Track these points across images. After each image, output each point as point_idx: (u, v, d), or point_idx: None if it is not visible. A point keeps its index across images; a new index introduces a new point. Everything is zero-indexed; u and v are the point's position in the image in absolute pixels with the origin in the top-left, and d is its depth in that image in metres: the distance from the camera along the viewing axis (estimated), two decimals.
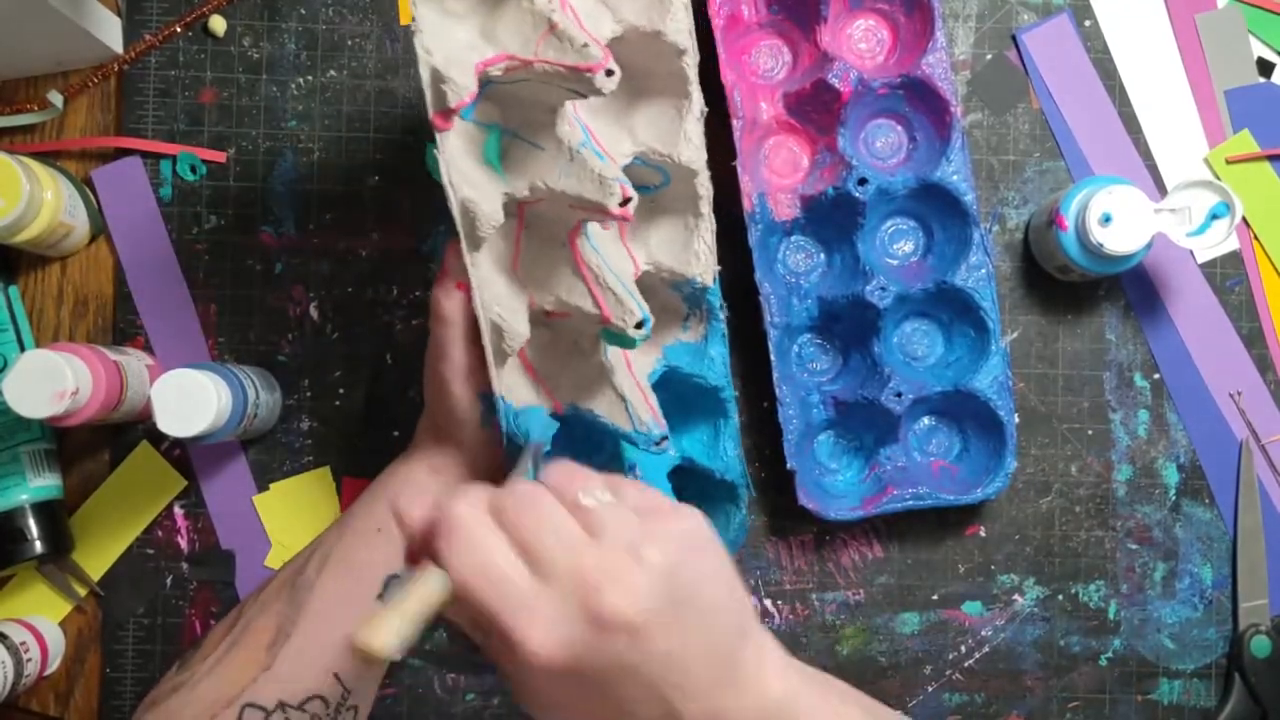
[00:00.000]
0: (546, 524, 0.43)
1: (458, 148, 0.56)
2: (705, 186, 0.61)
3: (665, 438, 0.60)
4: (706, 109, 0.60)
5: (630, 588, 0.42)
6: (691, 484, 0.67)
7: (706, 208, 0.61)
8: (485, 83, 0.55)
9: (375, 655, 0.41)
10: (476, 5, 0.55)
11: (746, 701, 0.45)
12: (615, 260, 0.60)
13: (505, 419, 0.60)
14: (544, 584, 0.42)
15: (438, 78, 0.53)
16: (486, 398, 0.60)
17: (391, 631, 0.41)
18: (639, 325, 0.56)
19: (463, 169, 0.57)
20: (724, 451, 0.67)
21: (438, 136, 0.55)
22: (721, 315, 0.64)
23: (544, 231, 0.60)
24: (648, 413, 0.59)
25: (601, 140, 0.59)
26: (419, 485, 0.63)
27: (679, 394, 0.65)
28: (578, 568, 0.42)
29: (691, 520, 0.46)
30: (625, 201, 0.54)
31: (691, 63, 0.59)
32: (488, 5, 0.55)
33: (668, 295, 0.63)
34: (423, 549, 0.45)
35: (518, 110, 0.57)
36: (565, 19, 0.54)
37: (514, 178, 0.58)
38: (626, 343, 0.57)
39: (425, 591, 0.43)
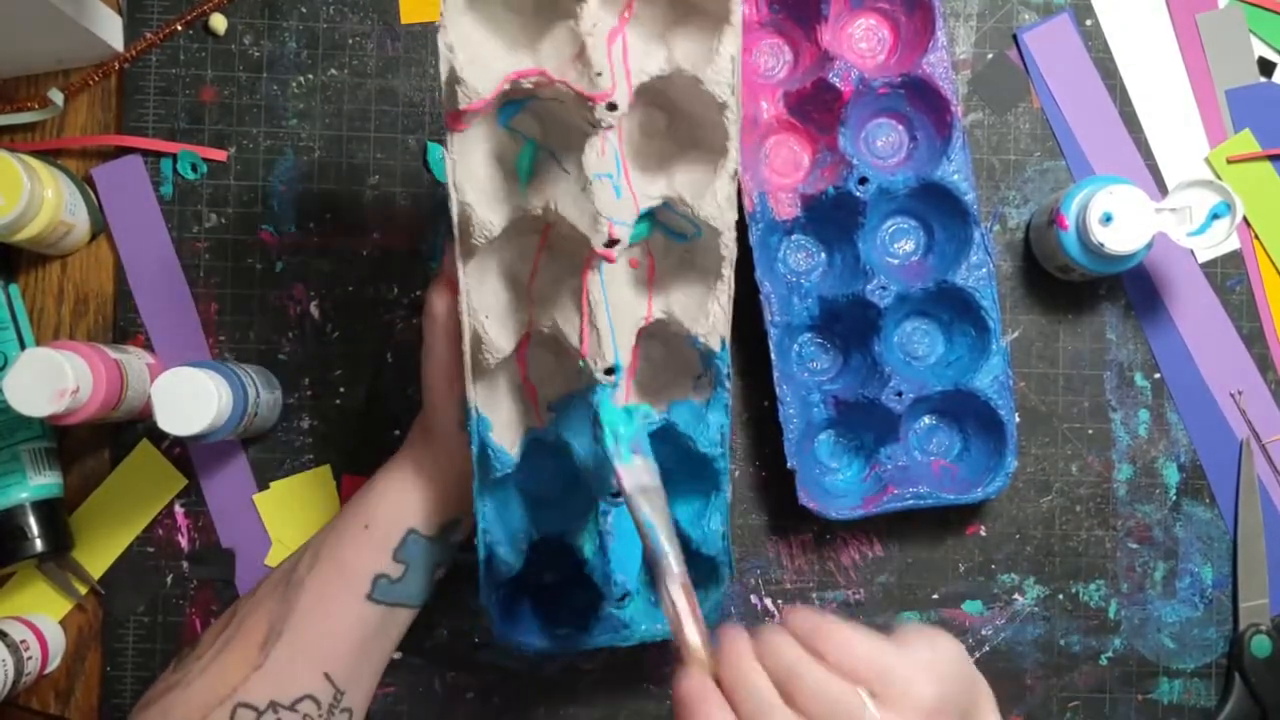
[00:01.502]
0: None
1: (473, 151, 0.55)
2: (729, 248, 0.59)
3: (613, 370, 0.58)
4: (739, 168, 0.58)
5: None
6: None
7: (728, 270, 0.59)
8: (524, 98, 0.54)
9: None
10: (530, 17, 0.55)
11: None
12: (624, 302, 0.58)
13: (476, 429, 0.60)
14: None
15: (453, 78, 0.52)
16: (464, 401, 0.60)
17: None
18: (608, 371, 0.56)
19: (474, 173, 0.56)
20: (708, 524, 0.65)
21: (447, 136, 0.54)
22: (727, 385, 0.62)
23: (563, 257, 0.59)
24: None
25: (638, 180, 0.58)
26: (404, 483, 0.64)
27: (677, 459, 0.64)
28: None
29: (948, 651, 0.49)
30: (611, 243, 0.54)
31: (733, 118, 0.56)
32: (541, 18, 0.54)
33: (687, 351, 0.62)
34: None
35: (557, 129, 0.56)
36: (596, 44, 0.52)
37: (534, 195, 0.57)
38: (596, 382, 0.57)
39: None
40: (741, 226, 0.72)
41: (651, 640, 0.67)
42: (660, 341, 0.62)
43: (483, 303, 0.58)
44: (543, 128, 0.57)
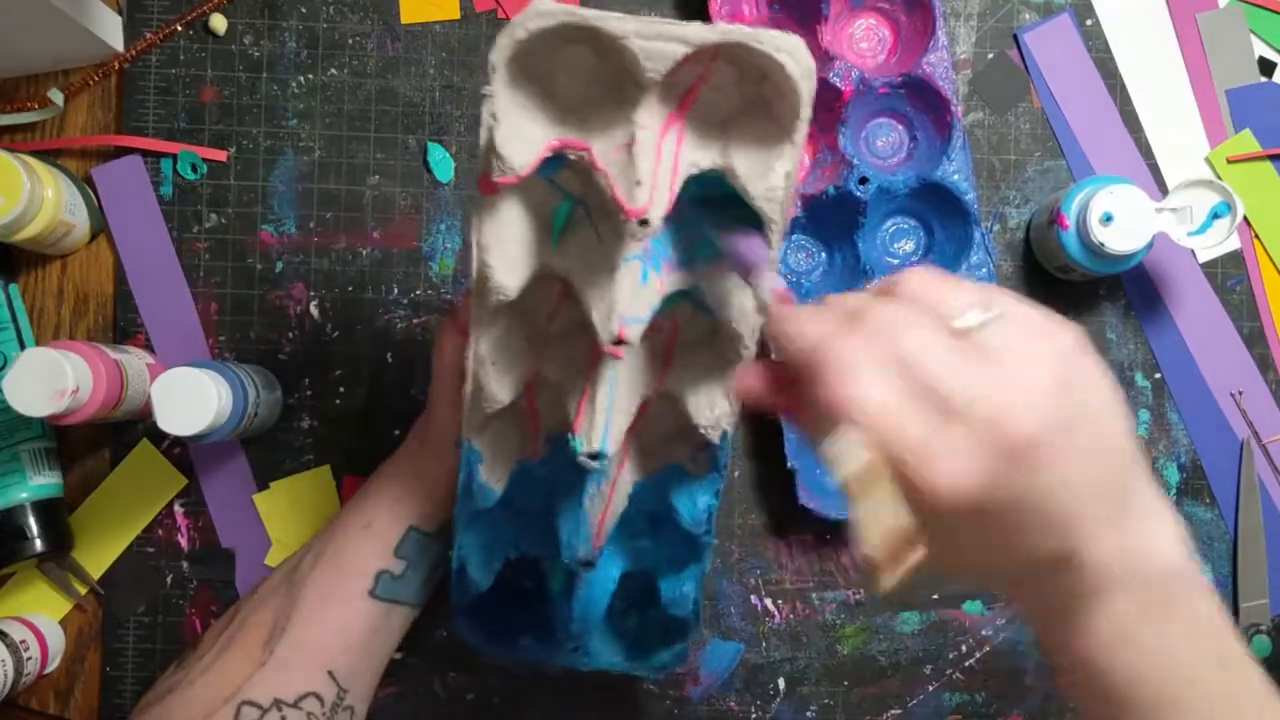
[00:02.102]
0: (933, 355, 0.39)
1: (503, 207, 0.53)
2: (749, 351, 0.56)
3: (590, 561, 0.58)
4: (779, 284, 0.54)
5: (1035, 409, 0.38)
6: (644, 597, 0.66)
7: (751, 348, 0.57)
8: (558, 158, 0.52)
9: (894, 585, 0.40)
10: (588, 93, 0.52)
11: (1137, 555, 0.41)
12: (635, 370, 0.57)
13: (466, 459, 0.60)
14: (944, 420, 0.39)
15: (491, 149, 0.50)
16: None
17: (889, 559, 0.39)
18: (593, 456, 0.54)
19: (501, 233, 0.53)
20: (681, 587, 0.64)
21: (477, 195, 0.53)
22: (723, 472, 0.61)
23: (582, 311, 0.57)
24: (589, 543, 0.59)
25: (669, 262, 0.55)
26: (404, 482, 0.64)
27: (664, 516, 0.64)
28: (979, 399, 0.38)
29: (1075, 331, 0.42)
30: (618, 342, 0.52)
31: (776, 231, 0.53)
32: (599, 97, 0.52)
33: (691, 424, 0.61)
34: (802, 393, 0.42)
35: (597, 192, 0.53)
36: (645, 141, 0.50)
37: (561, 255, 0.55)
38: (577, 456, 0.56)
39: (870, 480, 0.39)
40: None
41: (608, 670, 0.67)
42: (669, 403, 0.60)
43: (491, 352, 0.57)
44: (583, 185, 0.54)
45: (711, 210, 0.54)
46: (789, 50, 0.48)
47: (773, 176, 0.51)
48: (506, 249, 0.54)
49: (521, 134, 0.50)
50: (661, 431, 0.61)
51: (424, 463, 0.64)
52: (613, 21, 0.48)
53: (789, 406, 0.43)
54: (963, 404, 0.38)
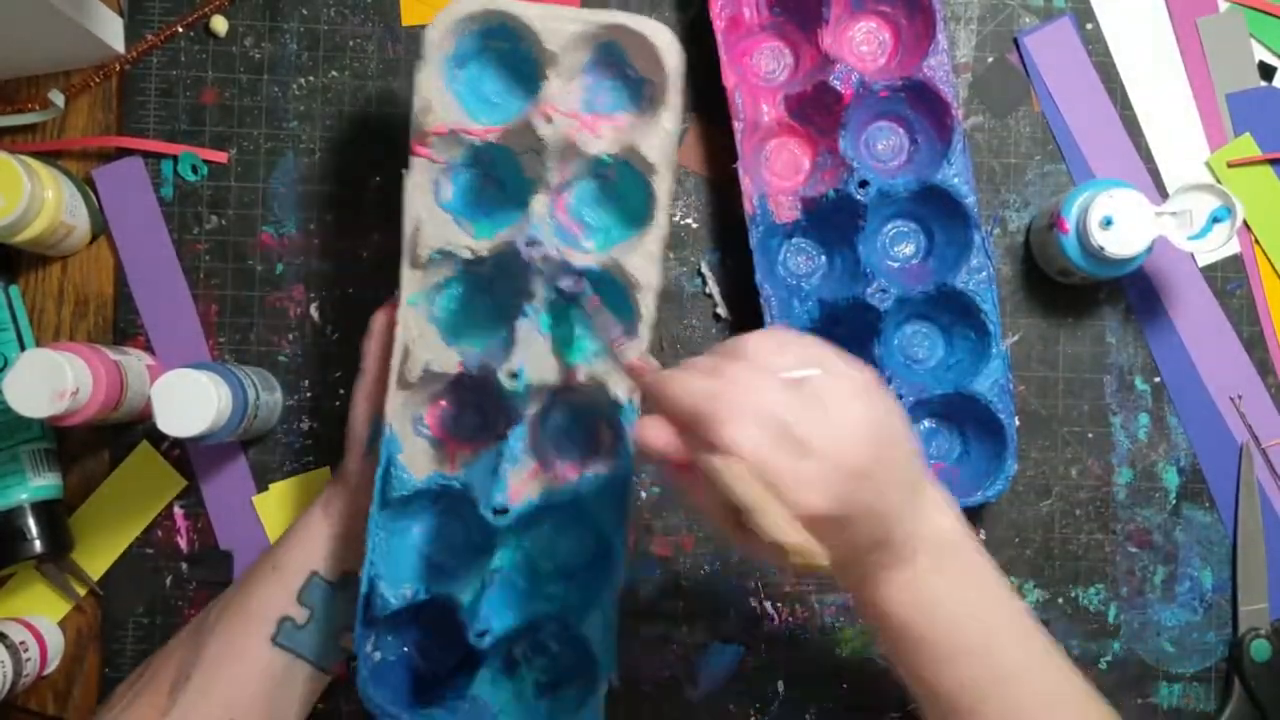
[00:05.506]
0: (785, 405, 0.49)
1: (434, 182, 0.63)
2: (649, 309, 0.63)
3: (505, 509, 0.61)
4: (668, 235, 0.64)
5: (861, 443, 0.50)
6: (557, 648, 0.66)
7: (645, 330, 0.63)
8: (481, 146, 0.63)
9: (811, 552, 0.48)
10: (500, 83, 0.65)
11: (927, 528, 0.54)
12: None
13: (385, 447, 0.62)
14: (800, 456, 0.49)
15: (424, 107, 0.61)
16: (378, 423, 0.63)
17: (791, 526, 0.48)
18: (512, 375, 0.62)
19: (428, 201, 0.63)
20: (592, 622, 0.63)
21: (411, 160, 0.62)
22: (630, 449, 0.63)
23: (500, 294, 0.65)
24: (505, 494, 0.62)
25: (574, 246, 0.64)
26: (313, 525, 0.66)
27: (575, 545, 0.66)
28: (822, 440, 0.49)
29: (868, 373, 0.53)
30: (531, 243, 0.61)
31: (662, 187, 0.63)
32: (509, 87, 0.65)
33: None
34: (690, 447, 0.50)
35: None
36: (558, 96, 0.62)
37: (489, 240, 0.63)
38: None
39: (761, 497, 0.48)
40: (741, 230, 0.72)
41: None
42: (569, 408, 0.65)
43: (421, 326, 0.63)
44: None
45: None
46: (654, 31, 0.62)
47: (659, 132, 0.62)
48: (439, 215, 0.63)
49: (448, 100, 0.62)
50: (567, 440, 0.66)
51: (334, 501, 0.66)
52: (521, 7, 0.61)
53: (681, 459, 0.51)
54: (815, 446, 0.49)
